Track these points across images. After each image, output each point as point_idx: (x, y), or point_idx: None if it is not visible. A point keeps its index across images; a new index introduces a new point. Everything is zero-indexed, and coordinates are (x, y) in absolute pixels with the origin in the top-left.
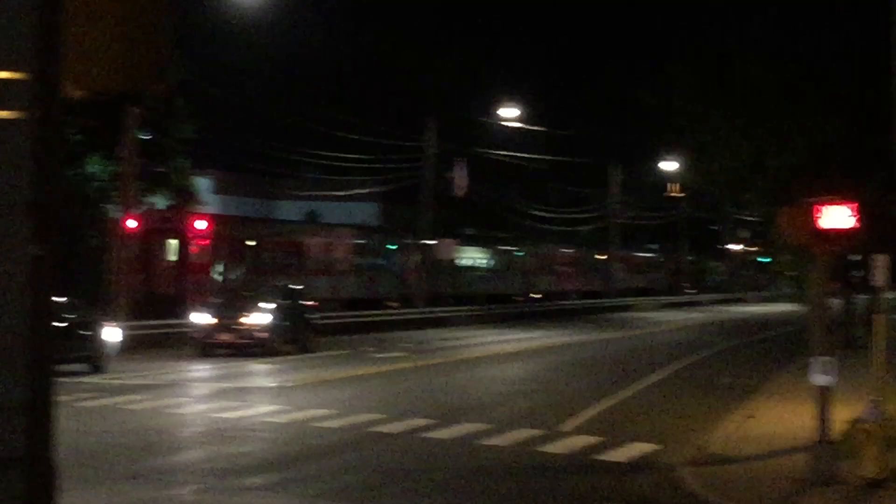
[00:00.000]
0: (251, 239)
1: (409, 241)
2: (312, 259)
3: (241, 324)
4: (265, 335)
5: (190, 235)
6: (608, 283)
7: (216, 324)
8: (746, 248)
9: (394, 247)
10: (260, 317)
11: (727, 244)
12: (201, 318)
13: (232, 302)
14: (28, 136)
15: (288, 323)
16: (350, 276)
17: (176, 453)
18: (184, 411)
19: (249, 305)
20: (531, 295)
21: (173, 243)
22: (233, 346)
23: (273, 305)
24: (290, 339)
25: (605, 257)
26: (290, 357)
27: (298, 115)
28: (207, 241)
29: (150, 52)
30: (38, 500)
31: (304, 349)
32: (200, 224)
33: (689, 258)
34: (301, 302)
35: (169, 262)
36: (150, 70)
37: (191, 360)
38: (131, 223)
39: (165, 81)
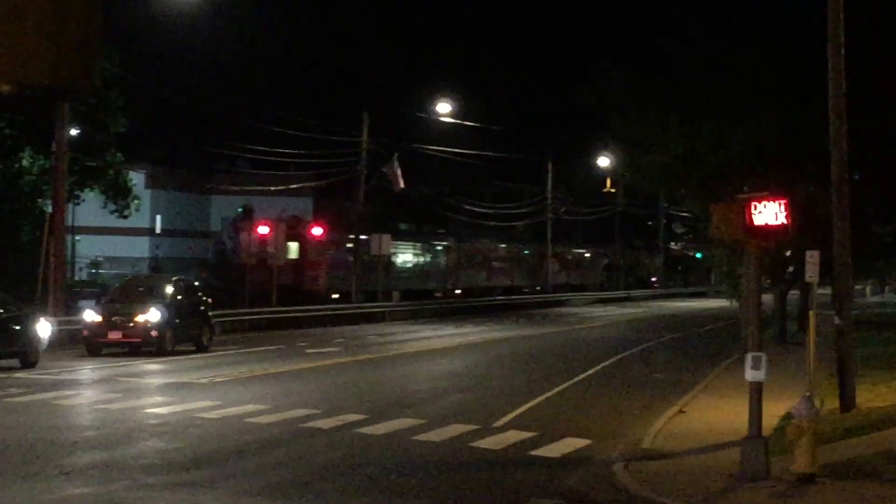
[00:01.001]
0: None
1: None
2: None
3: (131, 321)
4: (155, 333)
5: (308, 239)
6: (541, 278)
7: (103, 321)
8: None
9: None
10: (151, 314)
11: (664, 240)
12: (90, 315)
13: (123, 298)
14: None
15: (182, 320)
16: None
17: (107, 449)
18: (115, 406)
19: (141, 302)
20: (455, 291)
21: (293, 245)
22: (122, 345)
23: (166, 301)
24: (185, 338)
25: (531, 253)
26: (190, 357)
27: (234, 109)
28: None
29: (77, 49)
30: None
31: (202, 348)
32: (317, 231)
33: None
34: (200, 297)
35: (290, 260)
36: (78, 66)
37: (79, 359)
38: (263, 229)
39: (93, 77)
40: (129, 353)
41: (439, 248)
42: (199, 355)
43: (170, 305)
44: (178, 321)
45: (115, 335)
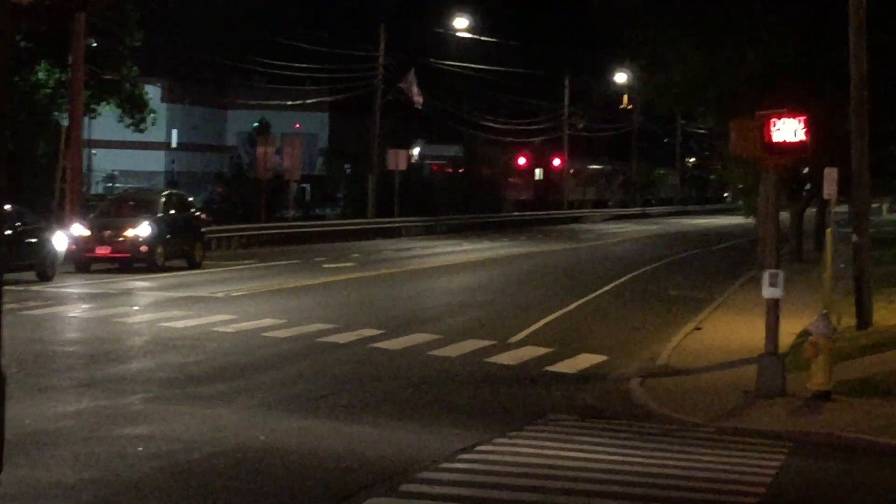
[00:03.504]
0: None
1: None
2: None
3: (120, 236)
4: (145, 249)
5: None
6: (558, 194)
7: (91, 236)
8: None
9: None
10: (141, 228)
11: (681, 157)
12: (78, 230)
13: (112, 213)
14: None
15: (173, 236)
16: None
17: (124, 362)
18: (132, 320)
19: (130, 216)
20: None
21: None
22: (110, 260)
23: (157, 216)
24: (177, 254)
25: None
26: (180, 273)
27: (250, 23)
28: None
29: None
30: None
31: (194, 264)
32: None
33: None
34: (193, 213)
35: (538, 181)
36: None
37: (65, 276)
38: (521, 160)
39: None
40: (120, 269)
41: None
42: (217, 270)
43: (161, 220)
44: (169, 236)
45: (103, 250)
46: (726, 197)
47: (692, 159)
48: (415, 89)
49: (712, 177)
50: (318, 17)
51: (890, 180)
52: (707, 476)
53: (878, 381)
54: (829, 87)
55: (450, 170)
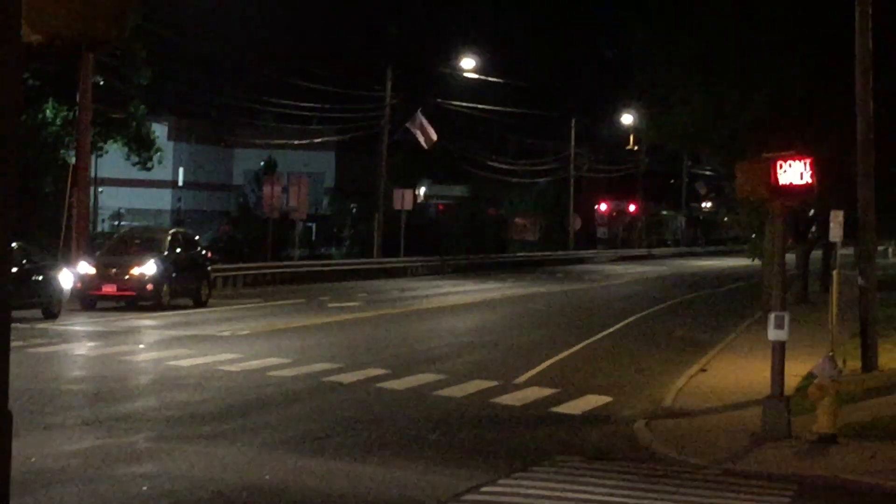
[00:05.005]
0: None
1: None
2: None
3: (126, 274)
4: (150, 287)
5: None
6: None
7: (97, 274)
8: (708, 204)
9: None
10: (147, 266)
11: (687, 199)
12: (84, 267)
13: (118, 250)
14: None
15: (178, 274)
16: None
17: (129, 400)
18: (137, 358)
19: (137, 254)
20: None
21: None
22: (116, 298)
23: (163, 254)
24: (183, 292)
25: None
26: (186, 311)
27: (257, 62)
28: None
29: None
30: None
31: (200, 303)
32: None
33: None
34: (199, 251)
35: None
36: (108, 16)
37: (71, 313)
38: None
39: (124, 28)
40: (125, 307)
41: None
42: (222, 308)
43: (166, 258)
44: (174, 275)
45: (109, 288)
46: (729, 239)
47: (707, 204)
48: (427, 128)
49: (725, 219)
50: (325, 57)
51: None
52: None
53: (883, 424)
54: (836, 128)
55: (456, 209)
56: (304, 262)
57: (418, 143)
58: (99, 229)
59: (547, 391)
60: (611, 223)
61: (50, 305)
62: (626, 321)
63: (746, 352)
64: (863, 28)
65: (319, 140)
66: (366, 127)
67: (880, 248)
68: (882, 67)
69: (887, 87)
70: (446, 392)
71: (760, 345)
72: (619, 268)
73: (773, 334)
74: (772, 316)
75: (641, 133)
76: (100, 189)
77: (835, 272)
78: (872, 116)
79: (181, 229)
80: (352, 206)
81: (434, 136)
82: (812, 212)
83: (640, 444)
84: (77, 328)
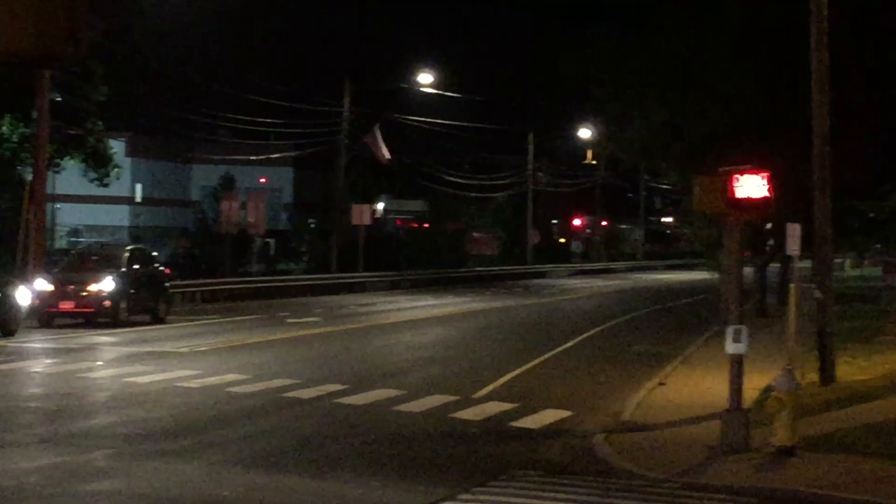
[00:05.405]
0: None
1: None
2: None
3: (84, 290)
4: (108, 304)
5: None
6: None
7: (55, 290)
8: (669, 219)
9: None
10: (105, 283)
11: (646, 212)
12: (41, 284)
13: (76, 267)
14: None
15: (136, 291)
16: None
17: (87, 418)
18: (95, 375)
19: (93, 271)
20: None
21: None
22: (73, 315)
23: (121, 271)
24: (141, 309)
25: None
26: (144, 328)
27: (215, 78)
28: None
29: (63, 18)
30: None
31: (158, 319)
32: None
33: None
34: (157, 267)
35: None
36: (65, 34)
37: (28, 331)
38: (577, 222)
39: (80, 46)
40: (83, 323)
41: None
42: (181, 324)
43: (124, 275)
44: (132, 291)
45: (66, 305)
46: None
47: (667, 218)
48: (381, 145)
49: (685, 231)
50: (283, 73)
51: (853, 236)
52: None
53: (841, 437)
54: (792, 142)
55: (414, 225)
56: (263, 278)
57: (375, 158)
58: (57, 246)
59: (506, 405)
60: (574, 237)
61: (7, 323)
62: (585, 335)
63: (705, 365)
64: (818, 43)
65: (277, 156)
66: (324, 142)
67: (837, 260)
68: (838, 80)
69: (843, 99)
70: (405, 407)
71: (719, 358)
72: (578, 282)
73: (732, 347)
74: (729, 329)
75: (599, 147)
76: (57, 205)
77: (792, 285)
78: (828, 129)
79: (139, 245)
80: (310, 221)
81: (388, 154)
82: (769, 225)
83: (599, 458)
84: (34, 345)
